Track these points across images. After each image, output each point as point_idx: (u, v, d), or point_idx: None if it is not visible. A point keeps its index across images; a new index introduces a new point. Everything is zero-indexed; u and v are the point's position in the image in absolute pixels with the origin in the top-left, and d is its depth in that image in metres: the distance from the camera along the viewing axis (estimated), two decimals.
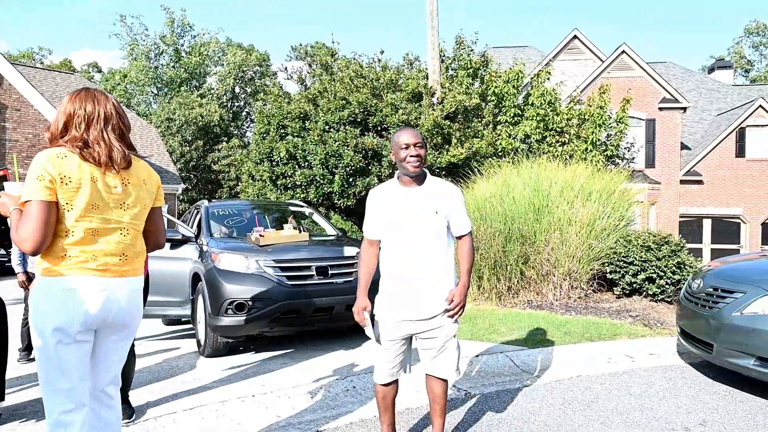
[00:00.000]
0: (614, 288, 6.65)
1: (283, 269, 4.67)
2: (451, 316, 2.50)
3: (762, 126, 18.74)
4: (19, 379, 4.19)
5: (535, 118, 11.62)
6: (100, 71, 41.13)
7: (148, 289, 3.56)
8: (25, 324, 4.92)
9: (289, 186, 10.25)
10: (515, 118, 11.98)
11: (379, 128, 10.05)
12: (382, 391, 2.62)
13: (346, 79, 10.43)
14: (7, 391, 3.48)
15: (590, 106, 12.07)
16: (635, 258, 6.34)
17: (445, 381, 2.61)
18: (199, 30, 40.03)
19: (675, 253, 6.34)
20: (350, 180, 9.63)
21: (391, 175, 2.39)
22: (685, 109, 18.65)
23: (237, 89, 37.43)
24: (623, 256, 6.46)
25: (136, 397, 3.52)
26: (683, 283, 5.46)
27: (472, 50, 12.77)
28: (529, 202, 6.86)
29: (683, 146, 19.47)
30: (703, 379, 3.88)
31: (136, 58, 35.44)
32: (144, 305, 2.72)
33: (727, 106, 21.60)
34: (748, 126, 18.82)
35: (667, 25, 73.02)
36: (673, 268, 6.23)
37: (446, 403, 2.67)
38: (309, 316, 4.68)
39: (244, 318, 4.44)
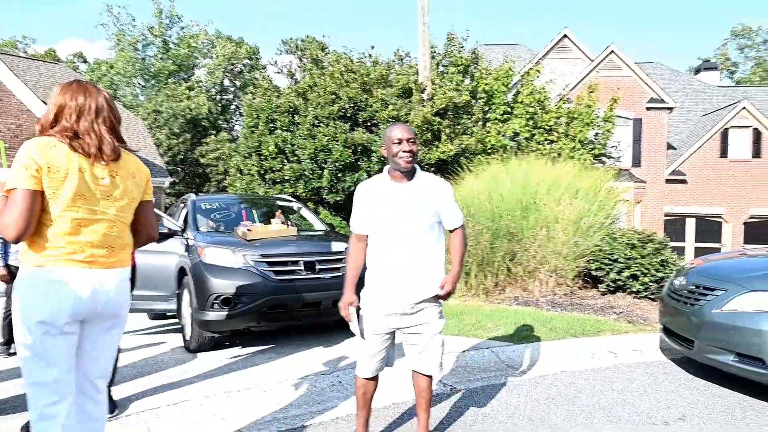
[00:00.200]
0: (599, 285, 6.73)
1: (270, 264, 4.65)
2: (437, 298, 2.53)
3: (745, 127, 19.02)
4: (0, 374, 4.14)
5: (524, 115, 11.69)
6: (85, 61, 40.47)
7: (135, 279, 3.53)
8: (6, 317, 4.85)
9: (278, 180, 10.21)
10: (505, 116, 12.04)
11: (368, 124, 10.03)
12: (363, 385, 2.62)
13: (336, 74, 10.40)
14: None
15: (579, 105, 12.16)
16: (620, 255, 6.42)
17: (430, 377, 2.63)
18: (187, 21, 39.60)
19: (659, 251, 6.43)
20: (339, 175, 9.61)
21: (380, 171, 2.39)
22: (671, 109, 18.87)
23: (226, 82, 37.11)
24: (608, 254, 6.53)
25: (118, 392, 3.50)
26: (666, 281, 5.54)
27: (462, 47, 12.79)
28: (517, 199, 6.91)
29: (669, 146, 19.71)
30: (683, 375, 3.94)
31: (123, 48, 34.94)
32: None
33: (712, 107, 21.89)
34: (731, 127, 19.09)
35: (656, 26, 73.78)
36: (657, 265, 6.31)
37: (431, 398, 2.70)
38: (296, 311, 4.67)
39: (231, 313, 4.42)
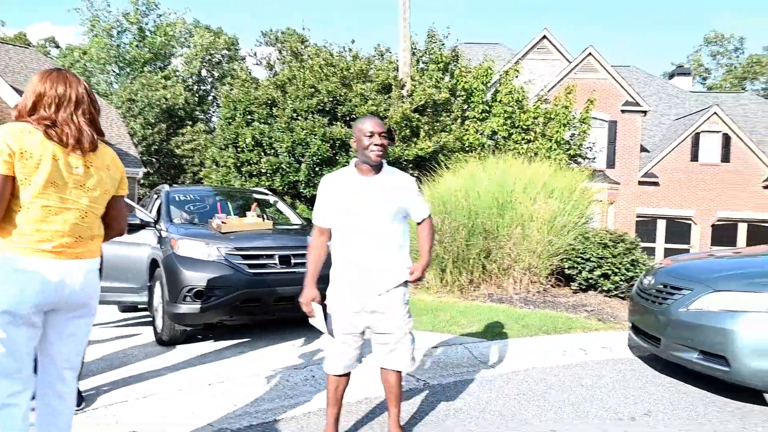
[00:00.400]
0: (571, 283, 6.85)
1: (244, 257, 4.60)
2: (406, 283, 2.56)
3: (716, 132, 19.56)
4: None
5: (502, 114, 11.78)
6: (57, 47, 39.31)
7: (102, 270, 3.44)
8: None
9: (254, 173, 10.10)
10: (483, 114, 12.12)
11: (347, 118, 9.99)
12: (335, 381, 2.61)
13: (315, 67, 10.32)
14: None
15: (556, 106, 12.32)
16: (592, 255, 6.54)
17: (399, 372, 2.63)
18: (164, 9, 38.80)
19: (630, 251, 6.57)
20: (317, 169, 9.56)
21: None
22: (645, 112, 19.28)
23: (204, 72, 36.49)
24: (581, 253, 6.65)
25: (86, 385, 3.42)
26: (636, 280, 5.67)
27: (443, 44, 12.82)
28: (494, 197, 6.97)
29: (642, 148, 20.14)
30: (650, 372, 4.04)
31: (97, 35, 34.04)
32: None
33: (684, 112, 22.45)
34: (702, 131, 19.61)
35: (635, 28, 75.22)
36: (628, 265, 6.45)
37: (401, 393, 2.70)
38: (270, 305, 4.63)
39: (204, 306, 4.36)
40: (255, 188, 8.53)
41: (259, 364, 3.97)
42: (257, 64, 12.48)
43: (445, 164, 8.96)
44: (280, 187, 9.79)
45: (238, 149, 10.36)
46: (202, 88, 36.95)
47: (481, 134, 11.81)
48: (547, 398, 3.44)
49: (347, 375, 2.64)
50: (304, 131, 9.43)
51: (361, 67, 10.36)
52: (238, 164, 10.26)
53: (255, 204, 5.87)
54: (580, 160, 12.84)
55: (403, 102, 9.90)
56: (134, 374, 3.76)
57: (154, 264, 4.96)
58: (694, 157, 19.66)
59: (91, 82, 33.16)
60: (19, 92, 14.35)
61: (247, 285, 4.48)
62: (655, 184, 19.62)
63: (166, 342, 4.66)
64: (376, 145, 2.45)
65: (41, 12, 61.98)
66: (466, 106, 12.24)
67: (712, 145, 19.60)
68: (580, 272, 6.62)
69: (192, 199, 5.92)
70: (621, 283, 6.45)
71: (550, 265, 6.81)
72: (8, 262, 1.83)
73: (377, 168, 2.53)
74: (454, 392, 3.52)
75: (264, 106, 10.30)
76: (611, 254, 6.48)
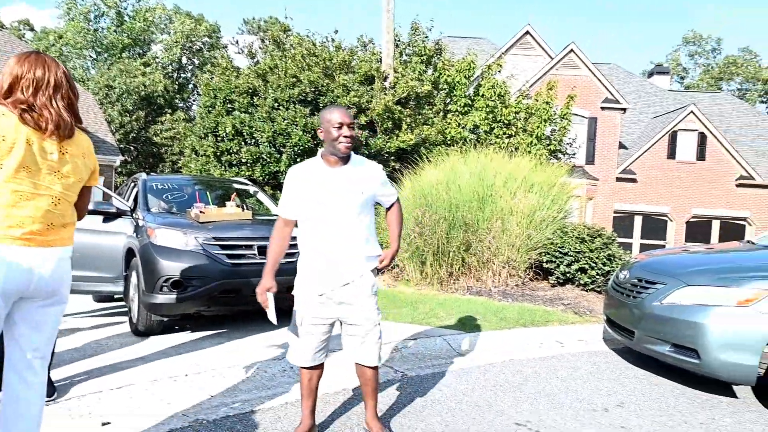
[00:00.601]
0: (549, 277, 6.94)
1: (223, 247, 4.55)
2: (373, 272, 2.55)
3: (692, 131, 19.95)
4: None
5: (484, 109, 11.84)
6: (32, 29, 38.19)
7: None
8: None
9: (234, 163, 9.98)
10: (465, 108, 12.16)
11: None
12: (308, 374, 2.59)
13: (298, 57, 10.22)
14: None
15: (537, 101, 12.41)
16: (570, 249, 6.63)
17: (374, 367, 2.62)
18: None
19: (606, 245, 6.68)
20: (298, 160, 9.48)
21: None
22: (625, 110, 19.57)
23: (184, 60, 35.81)
24: (559, 247, 6.74)
25: (59, 375, 3.36)
26: (612, 274, 5.78)
27: (427, 37, 12.79)
28: (474, 191, 7.01)
29: (621, 145, 20.45)
30: (624, 364, 4.13)
31: (74, 18, 33.14)
32: None
33: (662, 110, 22.84)
34: (679, 130, 19.98)
35: (617, 24, 76.09)
36: (604, 259, 6.56)
37: (377, 385, 2.69)
38: (249, 296, 4.57)
39: (180, 296, 4.30)
40: (235, 178, 8.43)
41: (237, 355, 3.95)
42: (239, 52, 12.31)
43: (427, 157, 8.98)
44: (261, 177, 9.70)
45: (218, 138, 10.22)
46: (182, 75, 36.27)
47: (463, 128, 11.85)
48: (523, 389, 3.48)
49: (319, 367, 2.62)
50: (286, 121, 9.34)
51: (343, 58, 10.28)
52: (218, 153, 10.13)
53: (234, 194, 5.80)
54: (560, 155, 12.99)
55: (385, 94, 9.87)
56: (109, 364, 3.70)
57: (130, 253, 4.87)
58: (671, 155, 20.04)
59: (67, 66, 32.29)
60: None
61: (225, 275, 4.43)
62: (633, 180, 19.96)
63: (141, 332, 4.59)
64: (345, 137, 2.41)
65: None
66: (448, 100, 12.26)
67: (688, 144, 20.00)
68: (558, 266, 6.70)
69: (170, 188, 5.83)
70: (597, 277, 6.56)
71: (529, 259, 6.89)
72: None
73: (345, 159, 2.49)
74: (431, 383, 3.54)
75: (245, 95, 10.17)
76: (588, 249, 6.57)
